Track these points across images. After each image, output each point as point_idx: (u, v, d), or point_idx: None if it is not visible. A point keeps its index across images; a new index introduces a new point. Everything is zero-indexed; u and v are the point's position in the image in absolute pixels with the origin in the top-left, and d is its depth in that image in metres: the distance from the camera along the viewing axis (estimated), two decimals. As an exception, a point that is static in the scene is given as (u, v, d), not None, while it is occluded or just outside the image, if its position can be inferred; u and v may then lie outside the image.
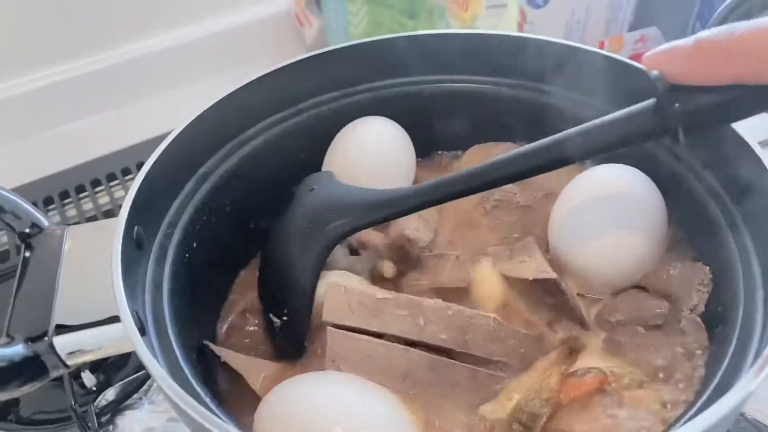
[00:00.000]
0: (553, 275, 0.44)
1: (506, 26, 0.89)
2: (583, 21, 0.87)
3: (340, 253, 0.50)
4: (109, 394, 0.61)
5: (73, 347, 0.36)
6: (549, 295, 0.45)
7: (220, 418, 0.31)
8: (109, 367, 0.65)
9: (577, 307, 0.45)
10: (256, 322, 0.49)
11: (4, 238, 0.81)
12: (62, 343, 0.36)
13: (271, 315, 0.47)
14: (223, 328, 0.49)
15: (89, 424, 0.58)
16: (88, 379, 0.63)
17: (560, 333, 0.45)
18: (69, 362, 0.36)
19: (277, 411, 0.39)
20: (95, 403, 0.60)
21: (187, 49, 1.04)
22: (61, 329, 0.36)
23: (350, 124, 0.55)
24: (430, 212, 0.54)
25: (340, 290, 0.43)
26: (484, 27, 0.88)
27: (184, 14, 1.04)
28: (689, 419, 0.32)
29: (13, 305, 0.37)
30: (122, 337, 0.33)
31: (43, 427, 0.61)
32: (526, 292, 0.46)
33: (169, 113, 0.46)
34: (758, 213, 0.41)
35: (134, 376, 0.63)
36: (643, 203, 0.46)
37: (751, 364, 0.33)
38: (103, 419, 0.60)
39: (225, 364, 0.44)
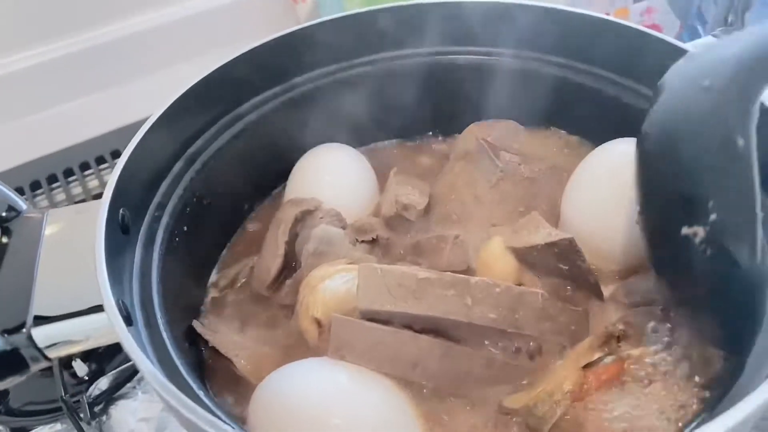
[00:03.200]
0: (567, 235, 0.41)
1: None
2: (588, -9, 0.84)
3: (343, 244, 0.48)
4: (102, 384, 0.59)
5: (54, 339, 0.33)
6: (562, 260, 0.42)
7: (211, 411, 0.29)
8: (101, 356, 0.63)
9: (592, 272, 0.43)
10: (241, 296, 0.47)
11: None
12: (42, 334, 0.33)
13: (684, 229, 0.33)
14: (209, 304, 0.48)
15: (81, 415, 0.55)
16: (80, 368, 0.61)
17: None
18: (50, 355, 0.34)
19: (272, 399, 0.37)
20: (87, 393, 0.58)
21: (178, 28, 1.01)
22: (41, 320, 0.34)
23: (308, 153, 0.54)
24: (418, 184, 0.53)
25: (377, 272, 0.39)
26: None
27: (173, -9, 1.01)
28: (718, 412, 0.29)
29: (-12, 295, 0.35)
30: (107, 327, 0.31)
31: (34, 419, 0.59)
32: (538, 262, 0.44)
33: (159, 94, 0.44)
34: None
35: (128, 364, 0.61)
36: None
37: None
38: (96, 409, 0.58)
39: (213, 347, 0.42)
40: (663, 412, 0.37)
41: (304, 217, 0.49)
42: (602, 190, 0.46)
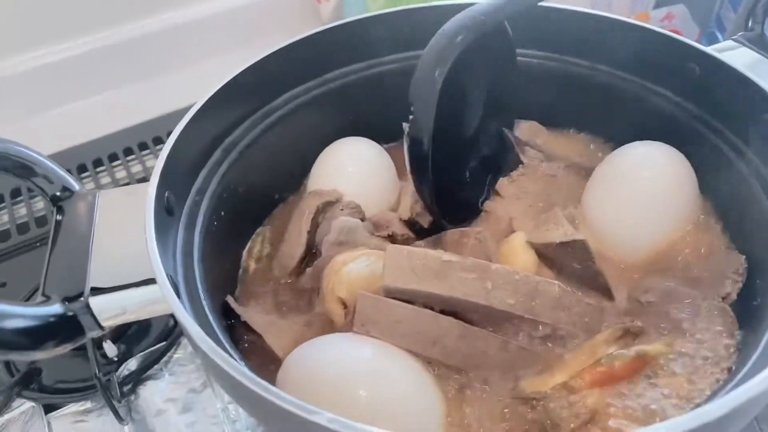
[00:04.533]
0: (580, 236, 0.44)
1: None
2: (609, -4, 0.86)
3: (362, 233, 0.50)
4: (131, 365, 0.62)
5: (109, 308, 0.36)
6: (576, 260, 0.44)
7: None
8: (130, 338, 0.66)
9: (602, 273, 0.45)
10: (269, 278, 0.50)
11: (23, 210, 0.81)
12: (98, 303, 0.36)
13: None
14: (240, 283, 0.50)
15: (112, 393, 0.58)
16: (110, 349, 0.63)
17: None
18: (104, 324, 0.36)
19: (300, 370, 0.39)
20: (117, 373, 0.61)
21: (210, 24, 1.06)
22: (97, 291, 0.36)
23: (331, 146, 0.55)
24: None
25: (403, 252, 0.41)
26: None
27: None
28: (728, 391, 0.31)
29: (47, 266, 0.37)
30: (157, 299, 0.33)
31: (65, 396, 0.61)
32: (553, 260, 0.46)
33: (198, 85, 0.46)
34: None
35: (155, 347, 0.63)
36: (673, 178, 0.48)
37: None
38: (125, 389, 0.60)
39: (245, 323, 0.44)
40: (676, 405, 0.38)
41: (326, 208, 0.51)
42: (623, 189, 0.48)
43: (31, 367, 0.63)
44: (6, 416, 0.58)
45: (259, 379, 0.28)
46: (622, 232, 0.48)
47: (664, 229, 0.47)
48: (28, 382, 0.62)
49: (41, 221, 0.79)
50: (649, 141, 0.49)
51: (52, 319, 0.34)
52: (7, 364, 0.63)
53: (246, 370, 0.29)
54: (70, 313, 0.35)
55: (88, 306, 0.35)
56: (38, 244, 0.77)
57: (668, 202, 0.47)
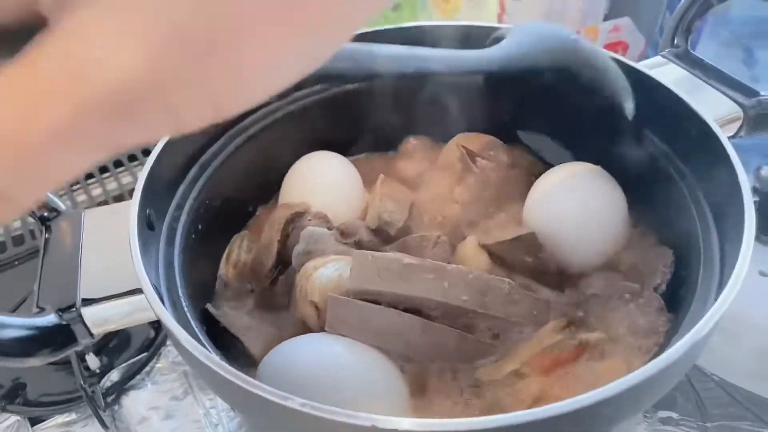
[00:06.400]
0: (530, 230, 0.48)
1: (486, 18, 0.93)
2: (561, 12, 0.91)
3: (329, 241, 0.53)
4: (113, 376, 0.64)
5: (99, 317, 0.39)
6: (526, 254, 0.49)
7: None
8: (111, 350, 0.68)
9: (554, 265, 0.49)
10: (245, 286, 0.53)
11: (17, 223, 0.83)
12: (89, 313, 0.39)
13: None
14: (219, 291, 0.53)
15: (98, 403, 0.60)
16: (93, 361, 0.65)
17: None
18: (95, 331, 0.39)
19: (278, 367, 0.42)
20: (100, 384, 0.63)
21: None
22: (87, 301, 0.39)
23: (300, 160, 0.59)
24: (403, 192, 0.59)
25: (368, 257, 0.45)
26: (466, 19, 0.92)
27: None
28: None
29: (39, 280, 0.40)
30: (143, 307, 0.37)
31: (50, 408, 0.64)
32: (505, 258, 0.50)
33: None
34: (718, 190, 0.45)
35: (136, 358, 0.66)
36: (602, 195, 0.51)
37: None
38: (109, 399, 0.63)
39: (225, 329, 0.47)
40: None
41: (294, 218, 0.55)
42: (555, 207, 0.51)
43: (15, 382, 0.65)
44: (-8, 430, 0.60)
45: (240, 373, 0.32)
46: (560, 246, 0.50)
47: (599, 244, 0.51)
48: (14, 396, 0.64)
49: (18, 240, 0.81)
50: (578, 162, 0.53)
51: (47, 329, 0.37)
52: (-10, 381, 0.65)
53: (229, 366, 0.33)
54: (64, 323, 0.38)
55: (80, 316, 0.38)
56: (16, 262, 0.79)
57: (599, 219, 0.50)
